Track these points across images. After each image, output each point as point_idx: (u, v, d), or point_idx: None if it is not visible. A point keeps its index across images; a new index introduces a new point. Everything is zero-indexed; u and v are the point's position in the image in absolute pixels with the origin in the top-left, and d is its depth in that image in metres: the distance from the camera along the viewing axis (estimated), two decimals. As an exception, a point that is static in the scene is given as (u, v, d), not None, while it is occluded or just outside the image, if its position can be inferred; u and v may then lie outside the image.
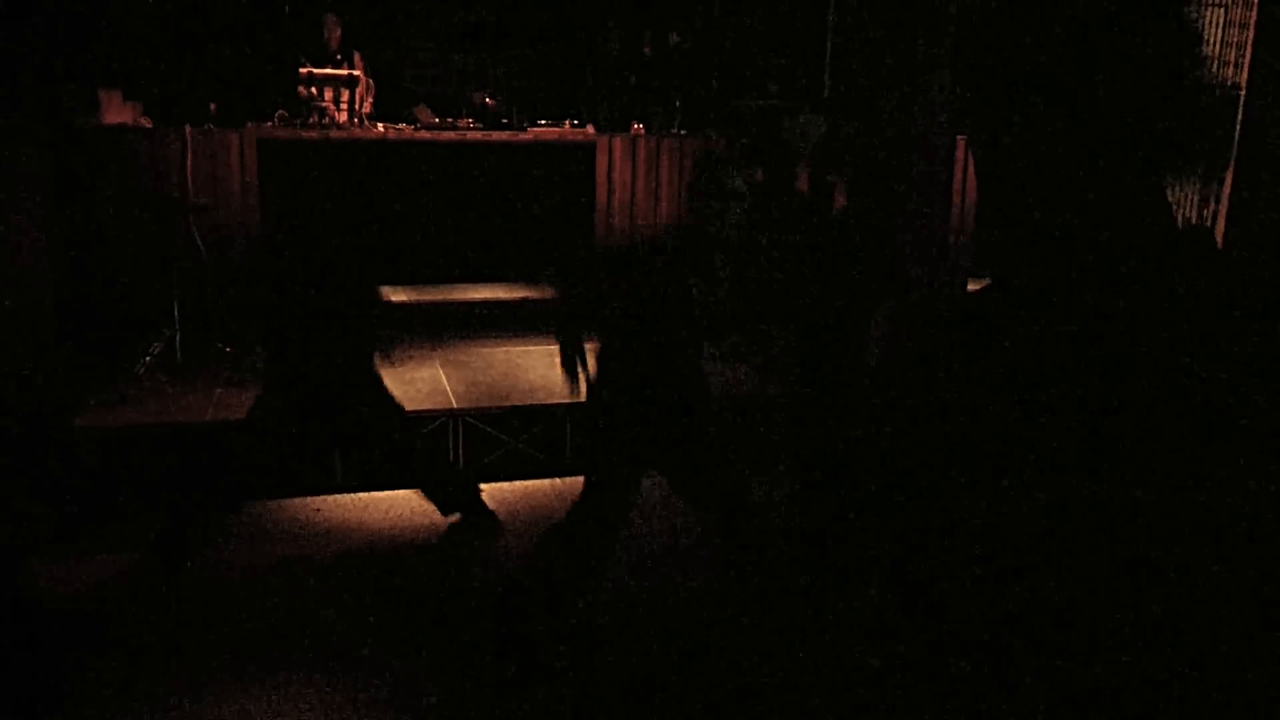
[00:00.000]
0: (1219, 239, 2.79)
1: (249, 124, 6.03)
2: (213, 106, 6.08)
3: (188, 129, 5.76)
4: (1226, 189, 3.08)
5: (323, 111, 6.35)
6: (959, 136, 5.80)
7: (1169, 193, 1.07)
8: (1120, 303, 1.05)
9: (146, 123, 6.09)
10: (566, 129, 6.83)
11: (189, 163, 5.75)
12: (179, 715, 2.83)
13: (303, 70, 6.43)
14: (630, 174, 6.52)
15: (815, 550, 1.21)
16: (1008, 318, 1.10)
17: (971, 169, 5.36)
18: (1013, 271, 1.13)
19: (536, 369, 5.40)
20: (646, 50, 7.01)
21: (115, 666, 3.06)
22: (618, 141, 6.53)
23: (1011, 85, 1.05)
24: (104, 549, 3.81)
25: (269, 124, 6.15)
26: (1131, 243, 1.07)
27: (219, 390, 4.83)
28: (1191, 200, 3.03)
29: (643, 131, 6.66)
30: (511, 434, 4.65)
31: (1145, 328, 1.03)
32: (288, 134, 6.14)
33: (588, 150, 6.57)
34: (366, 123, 6.46)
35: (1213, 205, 3.10)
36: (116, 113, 5.96)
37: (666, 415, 2.96)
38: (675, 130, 6.77)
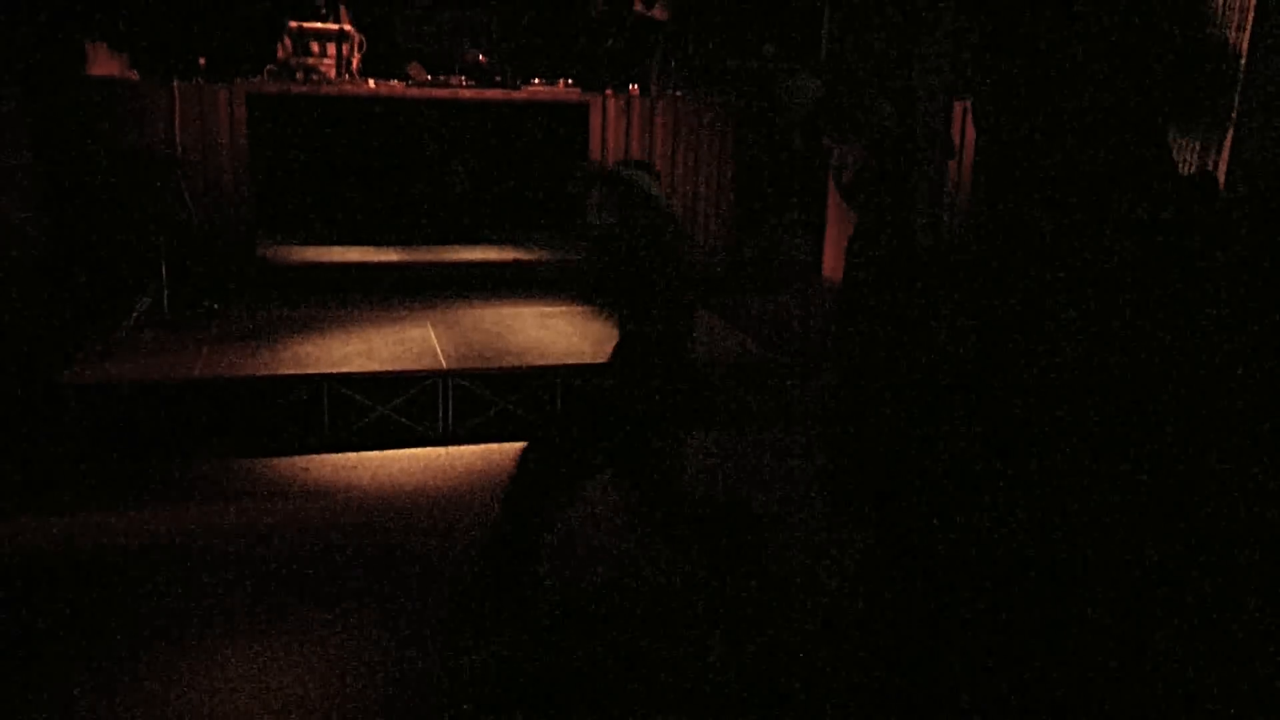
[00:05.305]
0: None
1: (238, 79, 5.94)
2: (202, 61, 5.98)
3: (176, 83, 5.68)
4: (1227, 146, 3.07)
5: (310, 68, 6.26)
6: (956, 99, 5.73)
7: (1173, 146, 1.04)
8: (1124, 243, 1.02)
9: (134, 76, 6.00)
10: (560, 88, 6.73)
11: (177, 117, 5.67)
12: (156, 671, 2.81)
13: (291, 24, 6.33)
14: (624, 135, 6.44)
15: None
16: (1000, 261, 1.07)
17: (970, 128, 5.30)
18: (1009, 214, 1.10)
19: (527, 330, 5.36)
20: (640, 8, 6.88)
21: (97, 622, 3.04)
22: (611, 102, 6.44)
23: (1019, 35, 1.02)
24: (90, 504, 3.79)
25: (258, 79, 6.06)
26: (1134, 185, 1.04)
27: (206, 347, 4.79)
28: (1194, 155, 3.00)
29: (637, 92, 6.58)
30: (501, 395, 4.62)
31: (1148, 268, 1.00)
32: (277, 89, 6.05)
33: (581, 110, 6.49)
34: (357, 79, 6.37)
35: (1214, 165, 3.08)
36: (103, 65, 5.86)
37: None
38: (670, 91, 6.68)
